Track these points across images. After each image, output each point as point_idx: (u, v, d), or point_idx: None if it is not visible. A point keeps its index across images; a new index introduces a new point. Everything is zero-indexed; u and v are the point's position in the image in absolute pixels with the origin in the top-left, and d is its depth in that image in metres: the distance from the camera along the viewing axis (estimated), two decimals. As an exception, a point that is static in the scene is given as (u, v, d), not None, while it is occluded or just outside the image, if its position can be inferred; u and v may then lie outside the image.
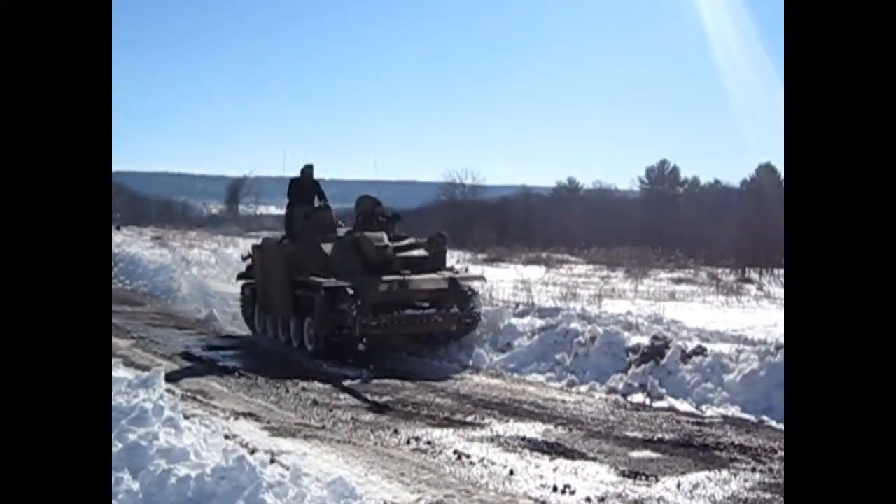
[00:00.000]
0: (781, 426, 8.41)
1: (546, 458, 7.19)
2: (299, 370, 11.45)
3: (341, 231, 13.89)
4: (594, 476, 6.67)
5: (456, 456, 7.18)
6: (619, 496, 6.12)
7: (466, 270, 14.74)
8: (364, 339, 12.45)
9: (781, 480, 6.56)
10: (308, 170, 14.76)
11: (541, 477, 6.58)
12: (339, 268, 12.66)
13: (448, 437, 7.85)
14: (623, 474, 6.70)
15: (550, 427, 8.28)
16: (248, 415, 8.58)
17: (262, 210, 72.34)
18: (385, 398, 9.61)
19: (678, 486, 6.41)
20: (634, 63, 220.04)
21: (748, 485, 6.47)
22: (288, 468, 5.49)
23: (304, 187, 14.70)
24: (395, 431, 8.00)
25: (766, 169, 53.10)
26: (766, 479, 6.61)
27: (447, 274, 13.17)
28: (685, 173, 67.56)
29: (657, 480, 6.53)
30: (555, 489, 6.24)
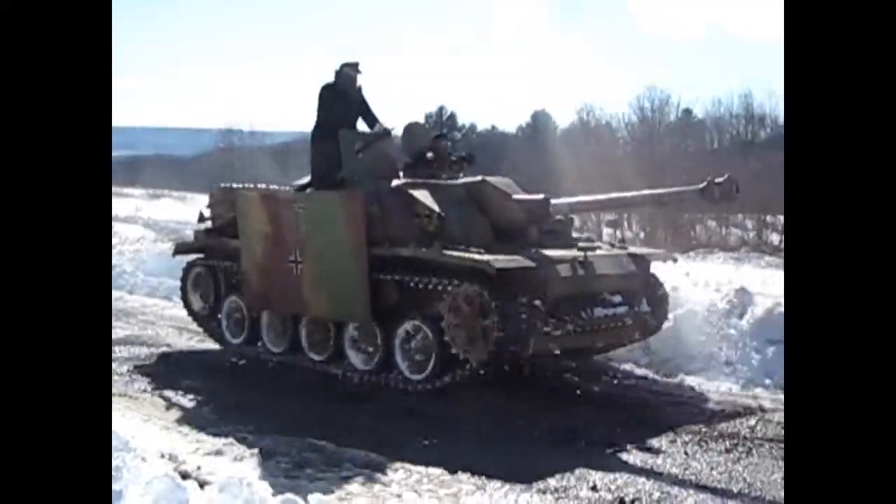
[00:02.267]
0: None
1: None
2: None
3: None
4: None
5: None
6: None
7: (622, 241, 9.52)
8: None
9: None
10: (350, 70, 8.55)
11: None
12: (456, 235, 7.54)
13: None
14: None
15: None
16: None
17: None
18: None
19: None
20: (413, 11, 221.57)
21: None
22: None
23: (346, 100, 8.55)
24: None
25: (542, 115, 54.98)
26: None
27: (621, 251, 8.26)
28: (462, 120, 68.38)
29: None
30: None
